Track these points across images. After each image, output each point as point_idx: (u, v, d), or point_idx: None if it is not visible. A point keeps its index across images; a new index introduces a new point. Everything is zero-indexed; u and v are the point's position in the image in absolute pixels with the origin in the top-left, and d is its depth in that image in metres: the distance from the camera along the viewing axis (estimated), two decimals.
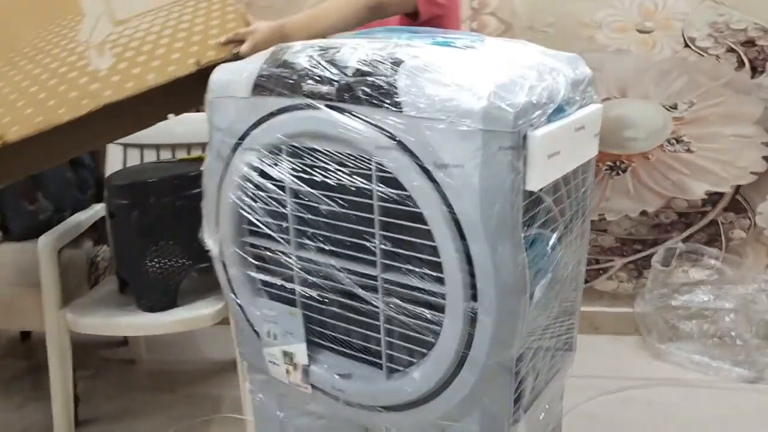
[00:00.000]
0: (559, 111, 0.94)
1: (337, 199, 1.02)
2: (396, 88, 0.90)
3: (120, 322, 1.59)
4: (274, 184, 1.07)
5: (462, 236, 0.90)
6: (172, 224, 1.51)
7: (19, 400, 1.88)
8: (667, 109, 1.94)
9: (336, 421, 1.19)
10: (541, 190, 0.93)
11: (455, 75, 0.89)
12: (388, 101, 0.91)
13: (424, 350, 1.02)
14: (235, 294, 1.21)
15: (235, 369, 1.71)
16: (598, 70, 1.91)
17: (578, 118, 0.97)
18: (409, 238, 0.97)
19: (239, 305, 1.21)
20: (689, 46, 1.89)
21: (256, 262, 1.16)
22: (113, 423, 1.83)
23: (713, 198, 2.02)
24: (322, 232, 1.06)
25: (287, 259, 1.11)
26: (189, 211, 1.31)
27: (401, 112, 0.90)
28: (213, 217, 1.17)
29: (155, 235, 1.51)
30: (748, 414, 1.79)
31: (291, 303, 1.14)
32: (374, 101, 0.92)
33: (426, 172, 0.90)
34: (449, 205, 0.90)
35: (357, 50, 0.95)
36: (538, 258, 0.97)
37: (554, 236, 1.01)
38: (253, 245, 1.15)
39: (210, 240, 1.19)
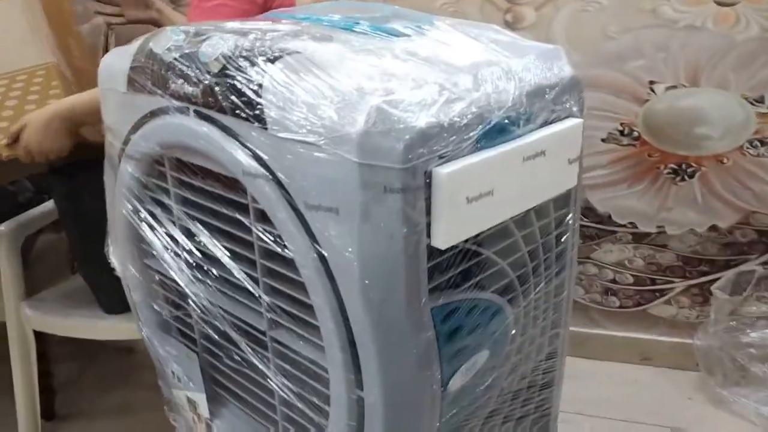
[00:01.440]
0: (500, 132, 0.66)
1: (220, 230, 0.79)
2: (260, 96, 0.65)
3: (76, 324, 1.45)
4: (159, 205, 0.86)
5: (339, 300, 0.65)
6: None
7: None
8: (751, 103, 1.54)
9: None
10: (472, 239, 0.66)
11: (340, 82, 0.63)
12: (251, 113, 0.66)
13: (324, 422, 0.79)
14: (141, 322, 1.01)
15: None
16: (663, 51, 1.55)
17: (531, 142, 0.67)
18: (295, 294, 0.73)
19: (147, 335, 1.02)
20: None
21: (161, 290, 0.96)
22: (94, 418, 1.72)
23: None
24: (214, 267, 0.83)
25: (184, 289, 0.90)
26: None
27: (266, 129, 0.65)
28: (114, 230, 0.97)
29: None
30: None
31: (191, 345, 0.94)
32: (237, 112, 0.67)
33: (296, 211, 0.65)
34: (322, 258, 0.65)
35: (226, 40, 0.70)
36: (467, 332, 0.71)
37: (501, 300, 0.73)
38: (152, 269, 0.95)
39: (113, 257, 1.00)
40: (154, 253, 0.89)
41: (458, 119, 0.62)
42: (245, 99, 0.66)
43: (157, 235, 0.87)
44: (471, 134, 0.62)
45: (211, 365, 0.93)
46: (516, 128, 0.67)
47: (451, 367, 0.69)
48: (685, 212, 1.68)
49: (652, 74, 1.58)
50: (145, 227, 0.89)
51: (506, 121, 0.66)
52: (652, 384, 1.76)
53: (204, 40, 0.72)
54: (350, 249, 0.62)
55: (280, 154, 0.64)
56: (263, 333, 0.79)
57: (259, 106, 0.65)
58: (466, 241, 0.66)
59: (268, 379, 0.80)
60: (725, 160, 1.61)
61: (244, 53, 0.67)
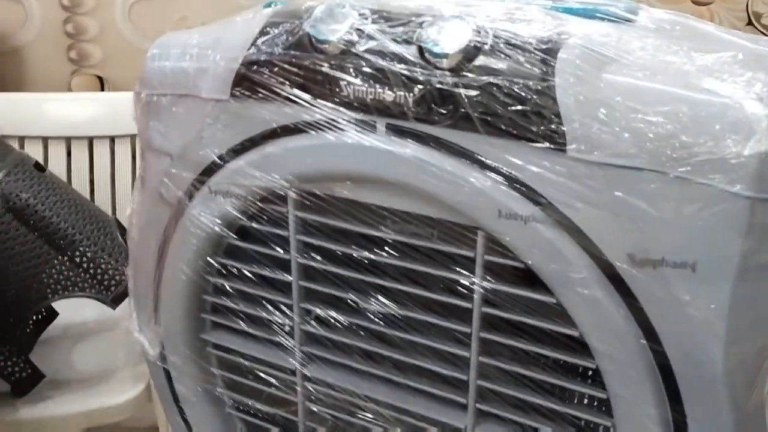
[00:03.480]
0: None
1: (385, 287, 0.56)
2: (556, 103, 0.44)
3: None
4: (268, 257, 0.60)
5: (675, 396, 0.46)
6: None
7: None
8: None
9: None
10: None
11: (673, 81, 0.44)
12: (537, 130, 0.45)
13: None
14: (183, 416, 0.73)
15: None
16: None
17: None
18: (542, 378, 0.52)
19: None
20: (753, 24, 1.50)
21: (226, 374, 0.68)
22: None
23: None
24: (355, 341, 0.59)
25: (285, 375, 0.64)
26: None
27: (564, 152, 0.45)
28: (148, 299, 0.68)
29: None
30: None
31: None
32: (501, 126, 0.46)
33: (608, 270, 0.45)
34: (653, 337, 0.45)
35: (455, 21, 0.48)
36: None
37: None
38: (220, 348, 0.67)
39: (143, 335, 0.70)
40: (234, 324, 0.63)
41: None
42: (530, 109, 0.45)
43: (259, 295, 0.61)
44: None
45: None
46: None
47: None
48: None
49: None
50: (231, 286, 0.62)
51: None
52: None
53: (414, 22, 0.49)
54: (715, 317, 0.44)
55: (588, 188, 0.44)
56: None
57: (555, 120, 0.44)
58: None
59: None
60: None
61: (513, 34, 0.46)
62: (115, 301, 1.07)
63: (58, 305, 1.08)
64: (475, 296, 0.51)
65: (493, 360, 0.53)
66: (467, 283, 0.51)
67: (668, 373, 0.45)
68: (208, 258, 0.61)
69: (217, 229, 0.59)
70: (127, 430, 1.52)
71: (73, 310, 1.19)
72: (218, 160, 0.58)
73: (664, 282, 0.44)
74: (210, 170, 0.59)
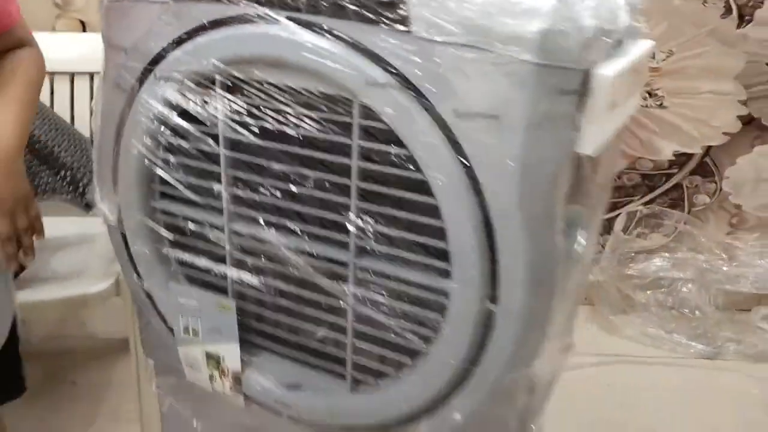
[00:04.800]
0: (616, 44, 0.68)
1: (294, 156, 0.72)
2: None
3: None
4: (201, 130, 0.76)
5: (485, 216, 0.63)
6: None
7: None
8: None
9: None
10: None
11: None
12: (388, 14, 0.61)
13: (408, 359, 0.76)
14: (139, 276, 0.89)
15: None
16: None
17: (637, 57, 0.70)
18: (399, 213, 0.69)
19: (143, 289, 0.89)
20: None
21: (172, 236, 0.84)
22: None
23: (681, 160, 1.85)
24: (270, 200, 0.75)
25: (216, 231, 0.81)
26: None
27: (409, 32, 0.60)
28: (108, 173, 0.84)
29: None
30: (706, 393, 1.67)
31: (219, 291, 0.84)
32: (366, 13, 0.62)
33: (440, 122, 0.62)
34: (473, 177, 0.62)
35: None
36: (571, 243, 0.72)
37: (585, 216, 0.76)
38: (166, 213, 0.83)
39: (104, 204, 0.86)
40: (177, 192, 0.79)
41: (604, 24, 0.62)
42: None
43: (194, 166, 0.77)
44: (609, 41, 0.63)
45: (242, 312, 0.84)
46: (625, 41, 0.69)
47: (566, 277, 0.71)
48: None
49: None
50: (171, 159, 0.78)
51: (623, 32, 0.68)
52: None
53: None
54: (511, 158, 0.60)
55: (425, 59, 0.60)
56: (342, 264, 0.74)
57: (401, 6, 0.60)
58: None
59: (343, 312, 0.75)
60: None
61: None
62: (88, 207, 1.23)
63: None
64: (353, 153, 0.67)
65: (366, 204, 0.69)
66: (349, 142, 0.67)
67: (482, 198, 0.62)
68: (157, 135, 0.77)
69: (161, 108, 0.75)
70: (102, 342, 1.70)
71: (56, 228, 1.35)
72: (162, 51, 0.73)
73: (478, 130, 0.60)
74: (156, 60, 0.74)
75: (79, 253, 1.38)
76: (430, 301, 0.71)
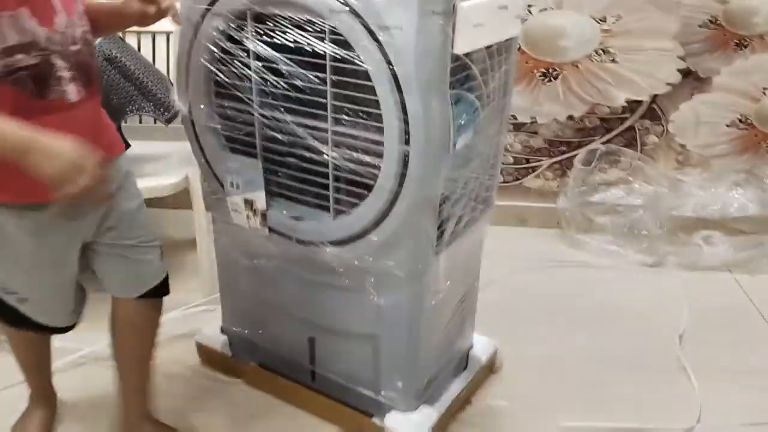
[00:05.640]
0: None
1: (295, 61, 1.19)
2: None
3: None
4: (240, 48, 1.24)
5: (399, 90, 1.09)
6: None
7: None
8: (597, 21, 2.14)
9: (287, 261, 1.39)
10: (467, 55, 1.12)
11: None
12: None
13: (366, 192, 1.22)
14: (202, 150, 1.38)
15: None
16: None
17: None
18: (355, 94, 1.15)
19: (206, 159, 1.38)
20: None
21: (223, 120, 1.33)
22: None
23: (632, 106, 2.25)
24: (282, 92, 1.23)
25: (250, 116, 1.29)
26: None
27: None
28: (183, 80, 1.33)
29: None
30: (645, 289, 2.08)
31: (252, 156, 1.32)
32: None
33: (371, 33, 1.08)
34: (389, 63, 1.08)
35: None
36: (462, 115, 1.17)
37: (477, 102, 1.21)
38: (220, 105, 1.32)
39: (180, 100, 1.35)
40: (227, 90, 1.27)
41: None
42: None
43: (236, 72, 1.25)
44: None
45: (267, 170, 1.32)
46: None
47: (457, 134, 1.16)
48: (551, 105, 2.26)
49: None
50: (223, 68, 1.26)
51: None
52: (530, 239, 2.36)
53: None
54: (409, 51, 1.06)
55: None
56: (324, 131, 1.20)
57: None
58: (466, 55, 1.12)
59: (328, 164, 1.22)
60: (579, 66, 2.20)
61: None
62: (168, 121, 1.73)
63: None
64: (327, 57, 1.14)
65: (337, 89, 1.16)
66: (324, 49, 1.14)
67: (396, 78, 1.07)
68: (213, 52, 1.25)
69: (215, 33, 1.23)
70: (171, 207, 2.23)
71: (144, 147, 1.87)
72: None
73: (392, 36, 1.06)
74: (212, 2, 1.22)
75: (159, 163, 1.90)
76: (374, 150, 1.17)
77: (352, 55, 1.11)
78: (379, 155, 1.16)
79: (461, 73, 1.15)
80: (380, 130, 1.14)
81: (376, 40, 1.08)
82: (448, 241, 1.27)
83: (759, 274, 2.14)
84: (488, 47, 1.19)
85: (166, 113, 1.71)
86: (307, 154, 1.25)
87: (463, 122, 1.17)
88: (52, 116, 1.04)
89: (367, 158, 1.18)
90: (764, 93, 2.21)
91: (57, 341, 1.42)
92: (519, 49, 2.18)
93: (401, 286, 1.27)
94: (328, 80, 1.17)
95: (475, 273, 1.53)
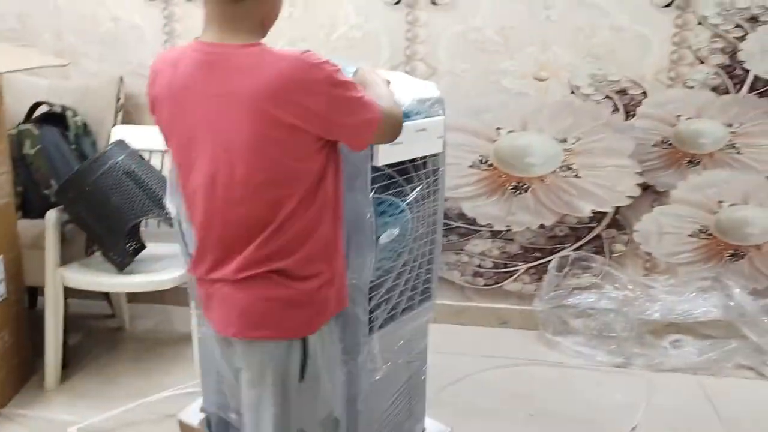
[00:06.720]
0: (406, 116, 1.39)
1: None
2: None
3: (100, 281, 2.05)
4: None
5: None
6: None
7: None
8: (559, 142, 2.39)
9: None
10: (391, 166, 1.38)
11: None
12: None
13: None
14: (185, 243, 1.65)
15: None
16: (504, 108, 2.38)
17: (419, 123, 1.42)
18: None
19: (189, 252, 1.65)
20: (574, 93, 2.35)
21: None
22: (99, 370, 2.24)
23: (598, 216, 2.45)
24: None
25: None
26: None
27: None
28: (172, 187, 1.62)
29: None
30: (608, 388, 2.19)
31: None
32: None
33: None
34: None
35: None
36: (387, 215, 1.41)
37: (402, 204, 1.45)
38: None
39: (171, 205, 1.64)
40: None
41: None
42: None
43: None
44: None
45: None
46: (413, 116, 1.41)
47: (381, 231, 1.39)
48: (523, 215, 2.48)
49: (498, 123, 2.40)
50: None
51: (408, 111, 1.39)
52: (509, 339, 2.51)
53: None
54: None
55: None
56: None
57: None
58: (389, 167, 1.38)
59: None
60: (546, 180, 2.43)
61: None
62: (169, 222, 2.02)
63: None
64: None
65: None
66: None
67: None
68: None
69: None
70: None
71: (157, 248, 2.17)
72: None
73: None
74: None
75: (164, 261, 2.18)
76: None
77: None
78: None
79: (388, 180, 1.40)
80: None
81: None
82: (381, 324, 1.48)
83: (723, 377, 2.23)
84: (412, 161, 1.44)
85: (168, 216, 2.01)
86: None
87: (388, 221, 1.41)
88: None
89: None
90: (719, 206, 2.40)
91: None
92: (492, 165, 2.44)
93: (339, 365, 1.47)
94: None
95: (422, 358, 1.71)
